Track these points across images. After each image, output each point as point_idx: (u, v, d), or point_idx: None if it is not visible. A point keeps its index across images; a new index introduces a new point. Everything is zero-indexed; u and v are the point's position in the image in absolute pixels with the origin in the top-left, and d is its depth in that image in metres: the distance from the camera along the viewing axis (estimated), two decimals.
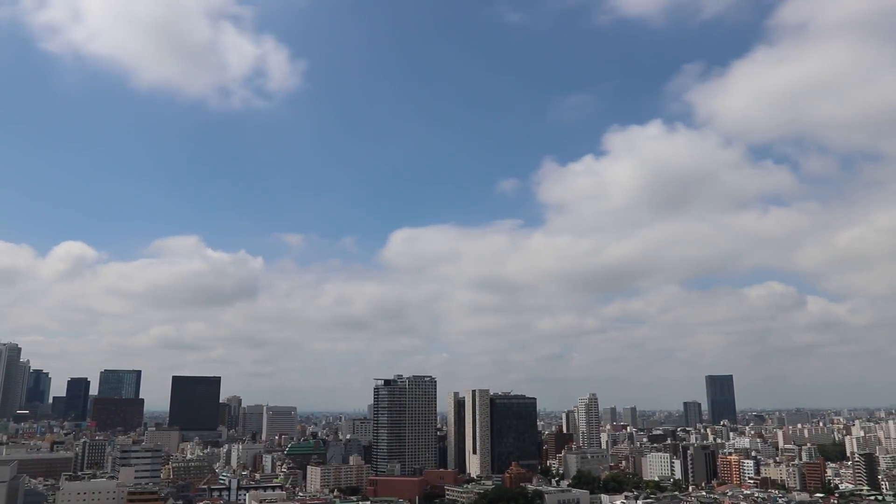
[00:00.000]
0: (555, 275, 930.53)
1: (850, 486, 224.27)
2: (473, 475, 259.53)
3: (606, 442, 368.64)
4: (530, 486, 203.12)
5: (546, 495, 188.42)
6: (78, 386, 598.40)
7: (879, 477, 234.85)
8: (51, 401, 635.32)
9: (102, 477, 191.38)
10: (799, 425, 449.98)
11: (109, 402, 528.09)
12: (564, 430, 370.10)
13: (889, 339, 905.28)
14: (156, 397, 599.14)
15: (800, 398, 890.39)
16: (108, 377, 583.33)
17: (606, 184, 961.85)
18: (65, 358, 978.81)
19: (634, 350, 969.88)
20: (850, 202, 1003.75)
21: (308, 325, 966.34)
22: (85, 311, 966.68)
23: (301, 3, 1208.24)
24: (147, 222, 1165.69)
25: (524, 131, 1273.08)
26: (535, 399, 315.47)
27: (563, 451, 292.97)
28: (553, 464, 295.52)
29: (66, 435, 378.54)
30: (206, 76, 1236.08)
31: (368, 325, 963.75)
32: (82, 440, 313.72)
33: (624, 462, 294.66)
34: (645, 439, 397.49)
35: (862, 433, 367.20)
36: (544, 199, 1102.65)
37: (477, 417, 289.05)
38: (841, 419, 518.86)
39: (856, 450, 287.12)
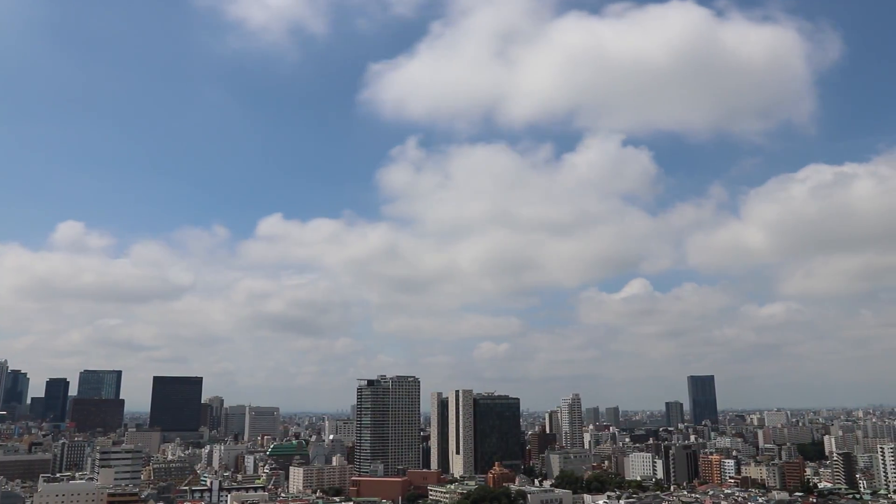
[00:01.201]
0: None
1: (829, 485, 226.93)
2: (457, 475, 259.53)
3: (589, 442, 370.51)
4: (513, 486, 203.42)
5: (529, 495, 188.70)
6: (57, 386, 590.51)
7: (857, 476, 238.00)
8: (29, 401, 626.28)
9: (81, 479, 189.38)
10: (779, 425, 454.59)
11: (89, 403, 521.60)
12: (548, 431, 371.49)
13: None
14: (137, 398, 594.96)
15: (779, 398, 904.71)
16: (88, 377, 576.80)
17: None
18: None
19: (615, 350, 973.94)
20: None
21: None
22: None
23: None
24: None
25: None
26: (518, 399, 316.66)
27: (546, 451, 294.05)
28: (536, 464, 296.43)
29: (44, 436, 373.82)
30: None
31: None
32: (61, 441, 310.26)
33: (606, 462, 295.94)
34: (627, 439, 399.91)
35: (840, 433, 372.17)
36: None
37: (460, 418, 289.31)
38: (820, 419, 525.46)
39: (834, 449, 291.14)
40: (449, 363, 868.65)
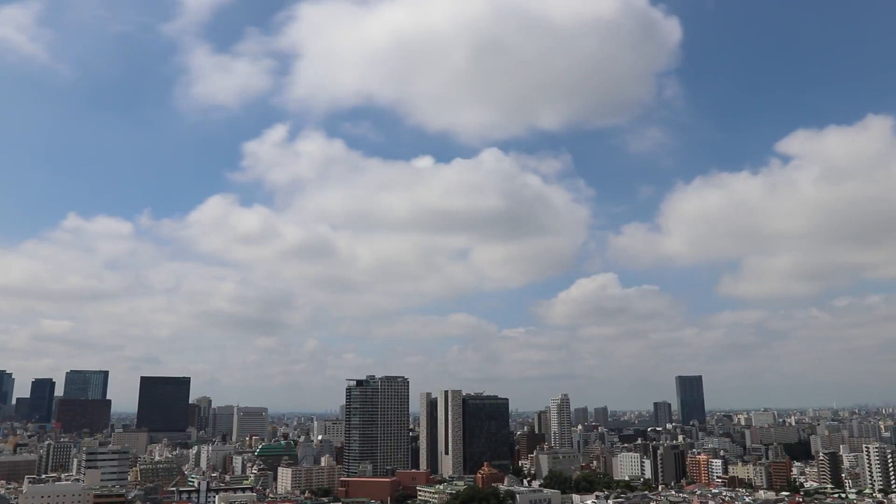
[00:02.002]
0: None
1: (815, 485, 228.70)
2: (446, 476, 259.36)
3: (578, 442, 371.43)
4: (502, 487, 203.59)
5: (518, 495, 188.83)
6: (42, 387, 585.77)
7: (843, 475, 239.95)
8: (14, 402, 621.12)
9: (67, 480, 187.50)
10: (766, 425, 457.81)
11: (75, 404, 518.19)
12: (536, 431, 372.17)
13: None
14: (123, 398, 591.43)
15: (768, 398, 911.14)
16: (74, 378, 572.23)
17: None
18: None
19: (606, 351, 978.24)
20: None
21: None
22: None
23: None
24: None
25: None
26: (507, 399, 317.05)
27: (534, 452, 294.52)
28: (525, 464, 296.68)
29: (29, 437, 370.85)
30: None
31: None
32: (47, 442, 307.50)
33: (595, 462, 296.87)
34: (616, 439, 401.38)
35: (826, 432, 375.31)
36: None
37: (449, 418, 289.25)
38: (806, 419, 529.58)
39: (820, 449, 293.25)
40: (419, 363, 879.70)
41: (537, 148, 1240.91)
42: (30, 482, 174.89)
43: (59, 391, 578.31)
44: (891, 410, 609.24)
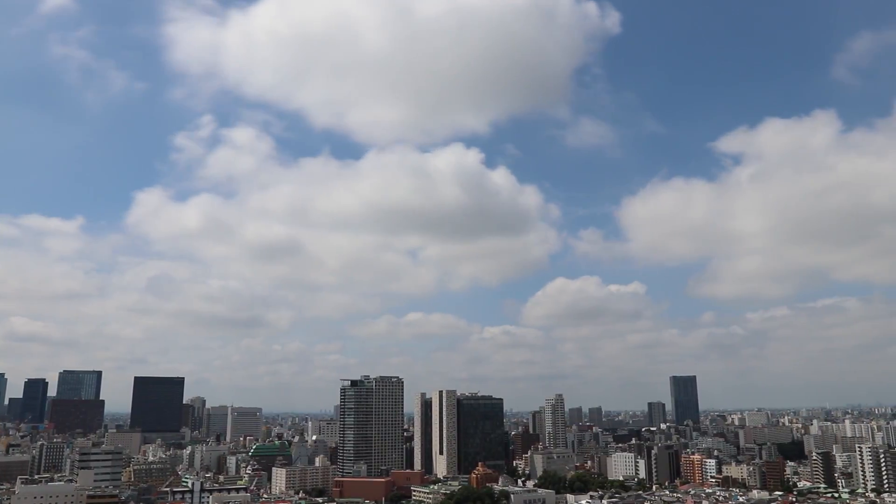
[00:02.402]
0: None
1: (808, 484, 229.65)
2: (440, 476, 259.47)
3: (572, 442, 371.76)
4: (497, 487, 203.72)
5: (512, 495, 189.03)
6: (35, 387, 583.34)
7: (836, 475, 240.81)
8: (7, 402, 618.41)
9: (60, 480, 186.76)
10: (759, 425, 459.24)
11: (68, 404, 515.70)
12: (531, 431, 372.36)
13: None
14: (117, 399, 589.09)
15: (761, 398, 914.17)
16: (67, 378, 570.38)
17: None
18: None
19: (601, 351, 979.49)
20: None
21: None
22: None
23: None
24: None
25: None
26: (501, 399, 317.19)
27: (529, 452, 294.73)
28: (519, 464, 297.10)
29: (22, 437, 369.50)
30: None
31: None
32: (39, 443, 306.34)
33: (589, 462, 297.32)
34: (610, 439, 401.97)
35: (819, 432, 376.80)
36: None
37: (444, 418, 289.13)
38: (799, 419, 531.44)
39: (814, 448, 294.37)
40: (404, 364, 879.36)
41: (477, 143, 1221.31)
42: (22, 483, 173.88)
43: (52, 391, 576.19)
44: (884, 410, 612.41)
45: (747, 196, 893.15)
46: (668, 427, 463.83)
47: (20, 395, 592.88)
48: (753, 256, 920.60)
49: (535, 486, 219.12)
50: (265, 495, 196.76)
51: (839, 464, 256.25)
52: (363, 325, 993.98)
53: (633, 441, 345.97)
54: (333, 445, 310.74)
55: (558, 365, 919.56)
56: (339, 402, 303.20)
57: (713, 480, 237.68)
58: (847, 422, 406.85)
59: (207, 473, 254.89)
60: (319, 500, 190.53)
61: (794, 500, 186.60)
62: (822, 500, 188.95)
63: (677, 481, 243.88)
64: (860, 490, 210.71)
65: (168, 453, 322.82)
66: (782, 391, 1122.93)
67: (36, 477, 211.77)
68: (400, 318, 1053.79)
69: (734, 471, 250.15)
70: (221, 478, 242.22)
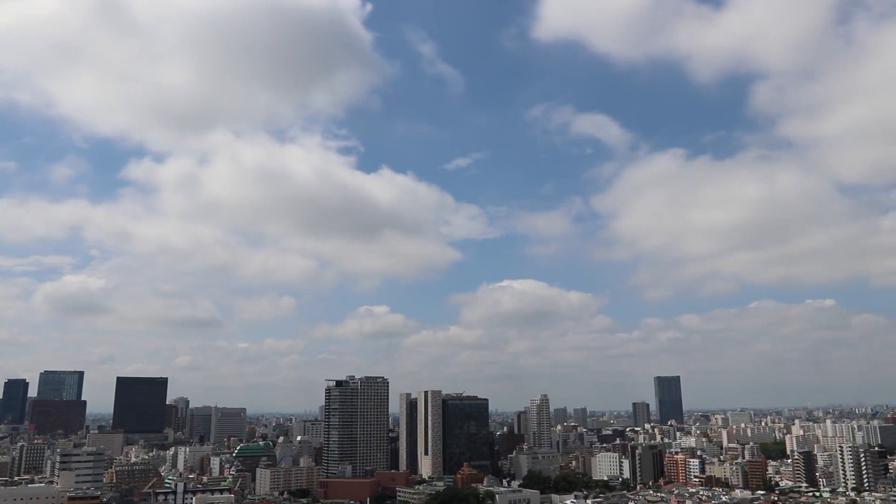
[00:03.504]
0: None
1: (790, 483, 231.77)
2: (425, 476, 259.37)
3: (557, 442, 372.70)
4: (482, 487, 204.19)
5: (497, 495, 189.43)
6: (16, 387, 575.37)
7: (817, 474, 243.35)
8: None
9: (41, 482, 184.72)
10: (742, 424, 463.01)
11: (49, 405, 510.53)
12: (516, 431, 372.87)
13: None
14: (99, 399, 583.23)
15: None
16: (49, 378, 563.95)
17: None
18: None
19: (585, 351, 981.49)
20: None
21: None
22: None
23: None
24: None
25: None
26: (487, 400, 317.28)
27: (514, 452, 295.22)
28: (504, 464, 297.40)
29: (1, 438, 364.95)
30: None
31: None
32: (19, 444, 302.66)
33: (574, 462, 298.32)
34: (595, 439, 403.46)
35: (801, 432, 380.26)
36: None
37: (429, 418, 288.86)
38: (782, 419, 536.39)
39: (795, 448, 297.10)
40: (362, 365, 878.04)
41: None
42: (1, 485, 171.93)
43: (32, 392, 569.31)
44: (864, 410, 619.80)
45: None
46: (652, 427, 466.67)
47: (0, 396, 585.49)
48: None
49: (519, 486, 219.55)
50: (249, 496, 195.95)
51: (820, 463, 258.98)
52: (314, 327, 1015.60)
53: (618, 441, 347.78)
54: (318, 446, 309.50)
55: (508, 366, 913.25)
56: (323, 403, 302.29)
57: (697, 480, 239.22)
58: (828, 422, 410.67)
59: (191, 474, 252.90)
60: (304, 500, 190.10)
61: (776, 499, 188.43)
62: (803, 499, 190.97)
63: (661, 481, 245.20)
64: (841, 489, 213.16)
65: (151, 454, 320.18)
66: (753, 392, 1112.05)
67: (16, 479, 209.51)
68: (354, 320, 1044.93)
69: (717, 470, 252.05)
70: (205, 479, 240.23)
